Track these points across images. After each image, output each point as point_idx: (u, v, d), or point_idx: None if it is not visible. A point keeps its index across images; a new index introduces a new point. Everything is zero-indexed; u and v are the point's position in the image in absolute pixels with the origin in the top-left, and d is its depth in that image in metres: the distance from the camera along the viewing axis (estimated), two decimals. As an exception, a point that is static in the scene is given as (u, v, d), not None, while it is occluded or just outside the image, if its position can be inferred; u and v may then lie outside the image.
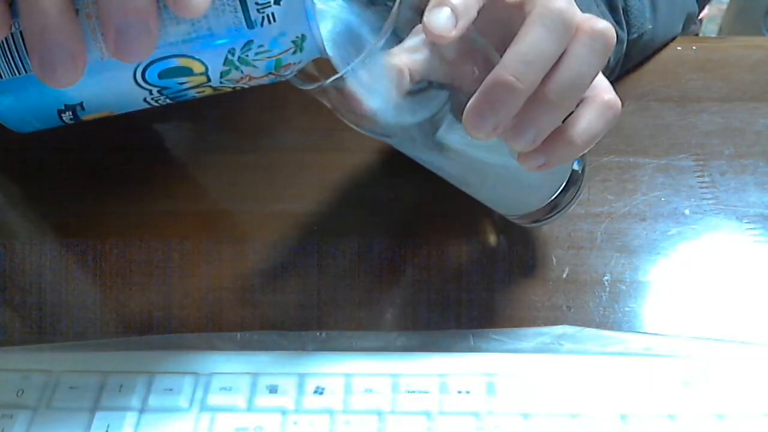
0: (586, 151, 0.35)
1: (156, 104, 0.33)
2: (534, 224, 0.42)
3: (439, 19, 0.30)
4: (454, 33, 0.30)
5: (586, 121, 0.34)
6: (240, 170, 0.48)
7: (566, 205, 0.40)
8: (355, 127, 0.35)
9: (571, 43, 0.32)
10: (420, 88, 0.33)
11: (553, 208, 0.41)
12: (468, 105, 0.32)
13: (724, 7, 1.19)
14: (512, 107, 0.32)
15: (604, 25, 0.33)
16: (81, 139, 0.51)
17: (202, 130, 0.51)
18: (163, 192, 0.47)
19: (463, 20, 0.31)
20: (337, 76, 0.31)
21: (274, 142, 0.50)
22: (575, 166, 0.40)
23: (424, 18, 0.30)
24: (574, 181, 0.40)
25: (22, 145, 0.51)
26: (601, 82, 0.36)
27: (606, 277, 0.42)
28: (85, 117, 0.34)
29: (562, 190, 0.40)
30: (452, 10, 0.30)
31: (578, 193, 0.40)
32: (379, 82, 0.33)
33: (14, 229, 0.46)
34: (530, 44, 0.31)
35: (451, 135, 0.35)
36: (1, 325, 0.41)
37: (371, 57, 0.31)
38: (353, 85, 0.32)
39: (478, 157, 0.37)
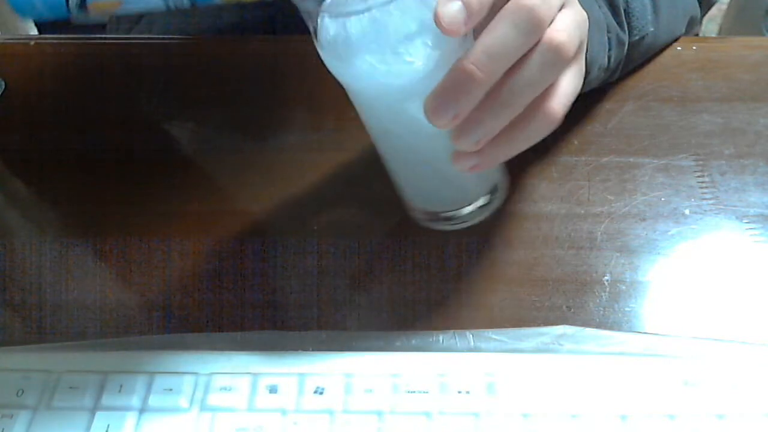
0: (512, 156, 0.36)
1: (173, 6, 0.33)
2: (445, 225, 0.43)
3: (451, 12, 0.31)
4: (463, 29, 0.31)
5: (525, 130, 0.35)
6: (240, 170, 0.48)
7: (483, 209, 0.43)
8: (331, 66, 0.35)
9: (531, 50, 0.33)
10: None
11: (468, 213, 0.43)
12: (431, 91, 0.33)
13: (724, 7, 1.19)
14: (472, 97, 0.32)
15: (561, 39, 0.33)
16: (81, 139, 0.51)
17: (203, 131, 0.51)
18: (163, 192, 0.47)
19: (475, 16, 0.31)
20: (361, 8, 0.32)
21: (274, 142, 0.50)
22: (499, 176, 0.44)
23: (438, 8, 0.31)
24: (496, 189, 0.43)
25: (22, 145, 0.51)
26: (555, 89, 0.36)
27: (606, 277, 0.42)
28: (91, 5, 0.34)
29: (487, 194, 0.43)
30: (464, 3, 0.31)
31: (496, 201, 0.43)
32: (391, 26, 0.33)
33: (14, 229, 0.46)
34: (495, 38, 0.32)
35: (412, 112, 0.35)
36: (1, 325, 0.41)
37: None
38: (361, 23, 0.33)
39: (422, 142, 0.38)
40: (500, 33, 0.32)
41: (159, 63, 0.56)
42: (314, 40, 0.35)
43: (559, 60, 0.34)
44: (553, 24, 0.34)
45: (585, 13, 0.36)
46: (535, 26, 0.32)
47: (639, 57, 0.52)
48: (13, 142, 0.51)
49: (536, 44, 0.33)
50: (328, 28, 0.34)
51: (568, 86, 0.36)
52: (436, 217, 0.44)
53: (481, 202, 0.44)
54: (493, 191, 0.44)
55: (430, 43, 0.33)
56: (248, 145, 0.50)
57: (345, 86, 0.37)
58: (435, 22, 0.31)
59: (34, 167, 0.50)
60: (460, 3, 0.31)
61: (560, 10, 0.34)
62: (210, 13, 0.66)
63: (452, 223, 0.44)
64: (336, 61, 0.35)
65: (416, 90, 0.34)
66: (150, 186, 0.48)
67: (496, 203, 0.44)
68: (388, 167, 0.42)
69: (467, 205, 0.43)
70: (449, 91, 0.33)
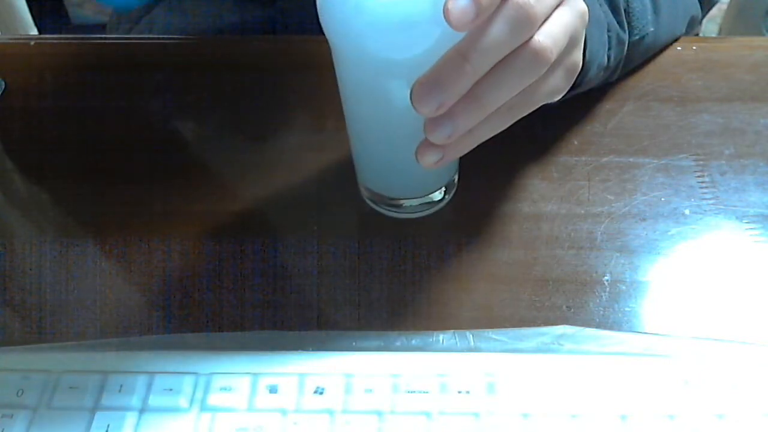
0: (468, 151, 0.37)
1: None
2: (390, 211, 0.45)
3: (460, 8, 0.31)
4: (471, 25, 0.31)
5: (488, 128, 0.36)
6: (240, 170, 0.49)
7: (432, 204, 0.44)
8: (329, 23, 0.35)
9: (514, 51, 0.33)
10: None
11: (416, 204, 0.44)
12: (418, 78, 0.33)
13: (724, 7, 1.19)
14: (458, 88, 0.33)
15: (544, 45, 0.33)
16: (81, 139, 0.51)
17: (203, 131, 0.51)
18: (163, 192, 0.47)
19: (483, 13, 0.31)
20: None
21: (274, 142, 0.50)
22: (454, 174, 0.45)
23: (447, 3, 0.31)
24: (449, 187, 0.45)
25: (22, 145, 0.51)
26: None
27: (606, 277, 0.42)
28: None
29: (439, 190, 0.44)
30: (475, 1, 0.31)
31: (447, 198, 0.45)
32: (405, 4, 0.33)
33: (14, 229, 0.46)
34: (487, 32, 0.32)
35: (393, 91, 0.36)
36: (1, 325, 0.41)
37: None
38: None
39: (392, 125, 0.39)
40: (493, 28, 0.32)
41: (159, 63, 0.56)
42: None
43: (537, 65, 0.34)
44: (542, 26, 0.34)
45: (584, 7, 0.36)
46: (526, 25, 0.33)
47: (639, 57, 0.52)
48: (13, 141, 0.51)
49: (522, 44, 0.33)
50: None
51: (547, 86, 0.36)
52: (384, 201, 0.44)
53: (432, 197, 0.44)
54: (446, 188, 0.44)
55: (433, 30, 0.33)
56: (248, 145, 0.50)
57: (335, 48, 0.37)
58: (444, 16, 0.31)
59: (33, 167, 0.50)
60: (468, 2, 0.31)
61: (558, 6, 0.35)
62: (210, 13, 0.66)
63: (398, 211, 0.45)
64: (336, 19, 0.35)
65: (404, 71, 0.34)
66: (150, 186, 0.48)
67: (446, 200, 0.45)
68: (352, 142, 0.43)
69: (418, 197, 0.44)
70: (437, 80, 0.33)
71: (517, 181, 0.47)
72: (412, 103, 0.33)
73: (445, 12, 0.31)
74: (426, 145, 0.35)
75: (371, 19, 0.33)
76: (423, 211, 0.45)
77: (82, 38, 0.58)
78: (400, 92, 0.35)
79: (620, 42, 0.48)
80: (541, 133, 0.49)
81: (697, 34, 0.70)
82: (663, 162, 0.48)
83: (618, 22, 0.47)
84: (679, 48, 0.55)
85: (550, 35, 0.34)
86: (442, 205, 0.45)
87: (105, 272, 0.43)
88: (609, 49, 0.47)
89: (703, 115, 0.50)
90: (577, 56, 0.38)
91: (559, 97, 0.38)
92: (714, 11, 1.29)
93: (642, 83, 0.52)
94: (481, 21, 0.31)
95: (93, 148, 0.50)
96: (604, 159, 0.48)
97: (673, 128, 0.50)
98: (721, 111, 0.50)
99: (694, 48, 0.55)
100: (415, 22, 0.33)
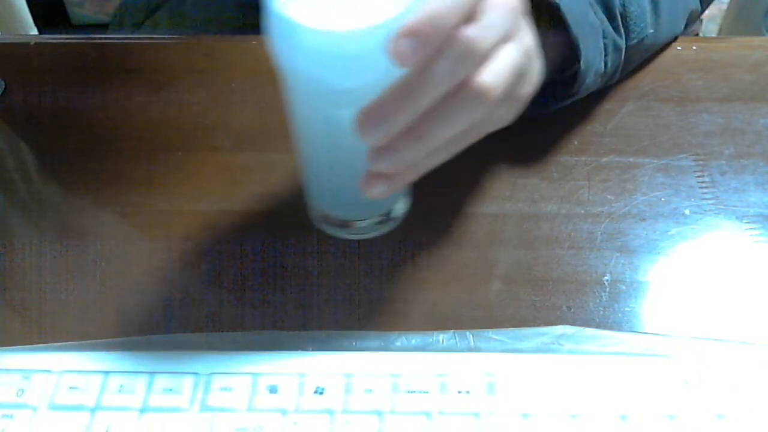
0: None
1: None
2: (341, 232, 0.44)
3: (402, 44, 0.31)
4: (412, 61, 0.31)
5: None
6: (240, 170, 0.48)
7: (382, 224, 0.44)
8: (281, 48, 0.35)
9: (454, 93, 0.34)
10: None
11: (366, 225, 0.44)
12: (363, 108, 0.33)
13: (724, 7, 1.19)
14: (401, 120, 0.33)
15: (485, 86, 0.34)
16: (81, 139, 0.51)
17: (203, 131, 0.51)
18: (163, 192, 0.47)
19: (425, 49, 0.31)
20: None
21: (275, 142, 0.50)
22: (403, 194, 0.44)
23: (391, 42, 0.31)
24: (398, 207, 0.45)
25: (21, 145, 0.51)
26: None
27: (606, 277, 0.42)
28: None
29: (388, 210, 0.44)
30: (419, 38, 0.31)
31: (397, 218, 0.44)
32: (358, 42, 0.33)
33: (14, 229, 0.46)
34: (431, 67, 0.32)
35: (342, 117, 0.35)
36: (1, 325, 0.41)
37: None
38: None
39: (341, 148, 0.38)
40: (436, 64, 0.32)
41: (159, 63, 0.56)
42: (265, 9, 0.34)
43: (481, 104, 0.34)
44: (487, 64, 0.34)
45: (531, 41, 0.37)
46: (469, 61, 0.33)
47: (639, 58, 0.52)
48: (13, 141, 0.51)
49: (465, 81, 0.34)
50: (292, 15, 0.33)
51: (492, 120, 0.37)
52: (334, 222, 0.44)
53: (381, 217, 0.44)
54: (395, 209, 0.44)
55: (380, 60, 0.32)
56: (248, 145, 0.50)
57: (284, 73, 0.36)
58: (389, 53, 0.31)
59: (33, 167, 0.50)
60: (410, 38, 0.31)
61: (504, 42, 0.35)
62: (212, 18, 0.66)
63: (349, 231, 0.44)
64: (285, 45, 0.34)
65: (351, 100, 0.34)
66: (150, 186, 0.48)
67: (397, 221, 0.45)
68: (302, 166, 0.43)
69: (367, 218, 0.44)
70: (380, 112, 0.33)
71: (517, 181, 0.47)
72: (356, 130, 0.33)
73: (388, 48, 0.31)
74: (371, 176, 0.36)
75: (319, 48, 0.33)
76: (370, 233, 0.44)
77: (82, 38, 0.58)
78: (347, 120, 0.34)
79: (617, 48, 0.48)
80: (541, 133, 0.49)
81: (697, 34, 0.70)
82: (663, 162, 0.48)
83: (614, 28, 0.47)
84: (679, 48, 0.55)
85: (494, 73, 0.34)
86: (393, 225, 0.44)
87: (105, 272, 0.43)
88: (606, 55, 0.46)
89: (703, 115, 0.50)
90: (526, 89, 0.38)
91: (505, 125, 0.38)
92: (714, 11, 1.29)
93: (642, 83, 0.52)
94: (422, 57, 0.31)
95: (93, 148, 0.50)
96: (604, 159, 0.48)
97: (673, 128, 0.50)
98: (721, 111, 0.50)
99: (694, 48, 0.55)
100: (362, 53, 0.33)
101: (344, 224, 0.44)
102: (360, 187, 0.36)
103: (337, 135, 0.37)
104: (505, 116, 0.38)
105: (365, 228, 0.44)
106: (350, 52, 0.33)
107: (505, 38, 0.35)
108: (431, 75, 0.32)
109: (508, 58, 0.35)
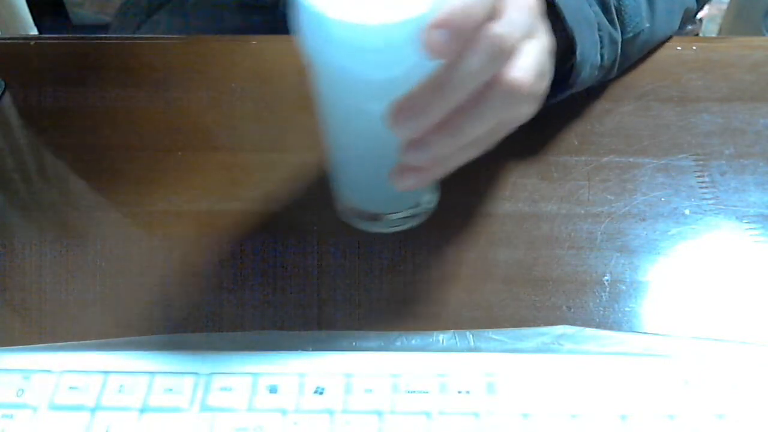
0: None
1: None
2: (371, 225, 0.44)
3: (436, 36, 0.31)
4: (446, 53, 0.32)
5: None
6: (240, 170, 0.49)
7: (411, 218, 0.44)
8: (312, 43, 0.35)
9: (487, 88, 0.34)
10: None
11: (396, 218, 0.44)
12: (396, 102, 0.34)
13: (724, 7, 1.19)
14: (433, 115, 0.34)
15: (519, 81, 0.35)
16: (81, 139, 0.51)
17: (203, 131, 0.51)
18: (163, 192, 0.47)
19: (458, 41, 0.32)
20: None
21: (274, 142, 0.50)
22: (433, 187, 0.45)
23: (425, 33, 0.31)
24: (428, 200, 0.45)
25: (21, 145, 0.51)
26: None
27: (606, 277, 0.42)
28: None
29: (417, 204, 0.44)
30: (448, 29, 0.31)
31: (426, 211, 0.45)
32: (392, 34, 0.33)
33: (14, 229, 0.46)
34: (463, 63, 0.33)
35: (377, 105, 0.36)
36: (1, 325, 0.41)
37: None
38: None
39: (373, 140, 0.38)
40: (468, 59, 0.33)
41: (159, 63, 0.56)
42: (295, 5, 0.34)
43: (515, 99, 0.35)
44: (516, 60, 0.35)
45: (548, 40, 0.38)
46: (500, 57, 0.34)
47: (636, 53, 0.52)
48: (13, 141, 0.51)
49: (496, 77, 0.34)
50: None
51: (519, 115, 0.38)
52: (363, 215, 0.44)
53: (410, 210, 0.44)
54: (424, 202, 0.44)
55: (411, 52, 0.33)
56: (248, 145, 0.50)
57: (313, 66, 0.37)
58: (422, 44, 0.32)
59: (33, 167, 0.50)
60: (443, 29, 0.31)
61: (526, 39, 0.36)
62: (212, 18, 0.66)
63: (378, 225, 0.44)
64: (314, 38, 0.34)
65: (382, 92, 0.34)
66: (150, 186, 0.48)
67: (426, 214, 0.45)
68: (330, 159, 0.43)
69: (397, 212, 0.44)
70: (412, 106, 0.34)
71: (517, 181, 0.47)
72: (387, 122, 0.34)
73: (423, 43, 0.32)
74: (401, 168, 0.36)
75: (351, 41, 0.33)
76: (401, 226, 0.44)
77: (82, 38, 0.58)
78: (377, 113, 0.35)
79: (613, 41, 0.48)
80: (541, 133, 0.49)
81: (697, 34, 0.70)
82: (663, 162, 0.48)
83: (609, 21, 0.47)
84: (679, 48, 0.55)
85: (524, 69, 0.35)
86: (422, 219, 0.45)
87: (105, 272, 0.43)
88: (602, 48, 0.47)
89: (703, 115, 0.50)
90: (544, 86, 0.39)
91: (525, 121, 0.39)
92: (714, 11, 1.29)
93: (642, 83, 0.52)
94: (453, 50, 0.32)
95: (93, 147, 0.50)
96: (604, 159, 0.48)
97: (673, 128, 0.50)
98: (721, 111, 0.50)
99: (694, 48, 0.55)
100: (393, 46, 0.33)
101: (373, 217, 0.44)
102: (390, 179, 0.36)
103: (367, 128, 0.38)
104: (527, 112, 0.38)
105: (394, 221, 0.44)
106: (382, 44, 0.33)
107: (528, 35, 0.36)
108: (463, 71, 0.33)
109: (532, 54, 0.36)
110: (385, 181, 0.37)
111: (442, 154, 0.35)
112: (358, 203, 0.44)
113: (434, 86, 0.33)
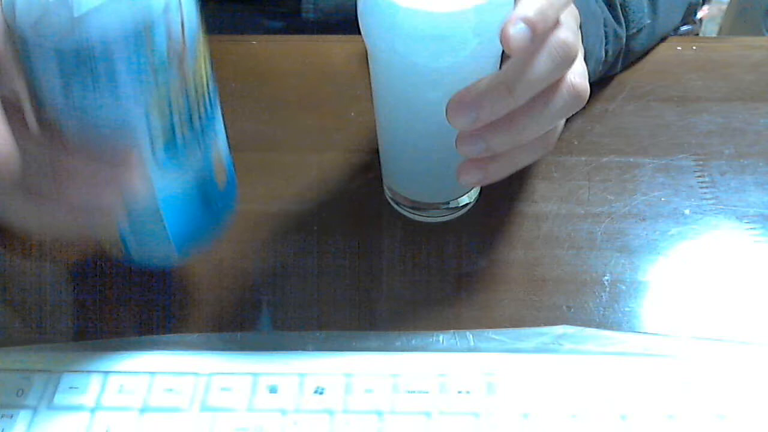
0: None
1: None
2: (420, 215, 0.45)
3: (519, 34, 0.33)
4: (528, 49, 0.34)
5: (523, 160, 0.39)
6: (240, 170, 0.48)
7: (461, 208, 0.45)
8: (378, 30, 0.36)
9: (550, 92, 0.36)
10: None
11: (446, 209, 0.44)
12: (459, 93, 0.35)
13: (724, 7, 1.19)
14: (495, 112, 0.35)
15: (581, 86, 0.37)
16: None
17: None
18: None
19: (539, 38, 0.34)
20: None
21: (274, 142, 0.50)
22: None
23: (506, 28, 0.33)
24: (477, 191, 0.45)
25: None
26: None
27: (606, 277, 0.42)
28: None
29: (467, 194, 0.44)
30: (529, 26, 0.33)
31: (473, 201, 0.45)
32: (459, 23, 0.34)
33: (14, 229, 0.46)
34: (532, 65, 0.34)
35: (433, 93, 0.37)
36: (1, 325, 0.41)
37: None
38: None
39: (430, 130, 0.39)
40: (537, 62, 0.34)
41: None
42: None
43: (577, 103, 0.37)
44: (575, 66, 0.36)
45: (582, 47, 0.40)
46: (567, 61, 0.35)
47: (639, 49, 0.52)
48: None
49: (559, 81, 0.36)
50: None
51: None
52: (407, 203, 0.45)
53: (453, 203, 0.44)
54: (466, 197, 0.45)
55: (470, 40, 0.34)
56: (248, 145, 0.50)
57: (372, 52, 0.38)
58: (502, 41, 0.33)
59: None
60: (525, 26, 0.33)
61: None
62: (231, 22, 0.66)
63: (420, 214, 0.45)
64: (375, 25, 0.36)
65: (439, 79, 0.36)
66: (150, 186, 0.47)
67: (467, 207, 0.45)
68: (381, 145, 0.44)
69: (440, 203, 0.44)
70: (477, 101, 0.34)
71: (517, 181, 0.47)
72: (446, 115, 0.35)
73: (504, 37, 0.33)
74: (468, 164, 0.37)
75: (408, 27, 0.34)
76: (446, 216, 0.45)
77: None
78: (433, 99, 0.36)
79: (617, 36, 0.48)
80: (541, 133, 0.49)
81: (697, 34, 0.70)
82: (663, 162, 0.48)
83: (614, 17, 0.48)
84: (679, 48, 0.55)
85: (582, 74, 0.37)
86: (465, 210, 0.45)
87: (105, 272, 0.43)
88: (606, 43, 0.47)
89: (703, 115, 0.50)
90: None
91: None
92: (714, 11, 1.29)
93: (642, 83, 0.52)
94: (532, 48, 0.34)
95: (93, 148, 0.50)
96: (604, 159, 0.48)
97: (673, 128, 0.50)
98: (721, 111, 0.50)
99: (694, 48, 0.55)
100: (452, 32, 0.34)
101: (416, 206, 0.44)
102: (456, 173, 0.37)
103: (421, 117, 0.38)
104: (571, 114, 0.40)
105: (437, 213, 0.44)
106: (445, 32, 0.34)
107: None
108: (535, 73, 0.34)
109: (581, 59, 0.38)
110: (434, 172, 0.39)
111: (497, 148, 0.36)
112: (402, 191, 0.44)
113: (500, 88, 0.34)
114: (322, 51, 0.56)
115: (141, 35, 0.29)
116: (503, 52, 0.36)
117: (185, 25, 0.31)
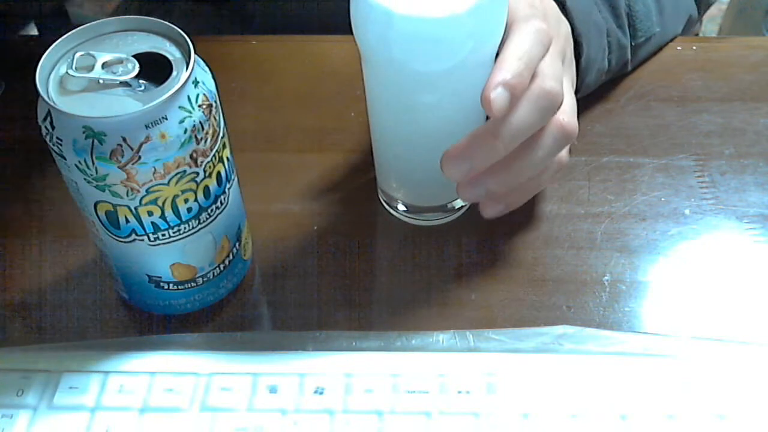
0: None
1: None
2: (418, 218, 0.45)
3: (497, 97, 0.35)
4: (508, 110, 0.35)
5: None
6: (240, 170, 0.48)
7: (458, 210, 0.45)
8: (376, 37, 0.36)
9: (539, 134, 0.37)
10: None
11: (445, 211, 0.45)
12: (450, 148, 0.36)
13: (724, 7, 1.19)
14: (487, 162, 0.37)
15: (570, 126, 0.39)
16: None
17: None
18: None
19: (518, 98, 0.35)
20: None
21: (274, 142, 0.50)
22: None
23: (486, 92, 0.34)
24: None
25: (21, 145, 0.51)
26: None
27: (606, 277, 0.42)
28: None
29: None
30: (508, 90, 0.35)
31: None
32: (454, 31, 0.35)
33: (14, 229, 0.46)
34: (517, 115, 0.36)
35: (427, 97, 0.37)
36: (1, 325, 0.41)
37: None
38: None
39: (417, 137, 0.40)
40: (523, 113, 0.36)
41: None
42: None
43: (565, 142, 0.39)
44: (563, 107, 0.38)
45: (573, 72, 0.42)
46: (552, 108, 0.37)
47: (645, 55, 0.52)
48: (13, 141, 0.51)
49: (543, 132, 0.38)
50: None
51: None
52: (400, 206, 0.45)
53: (446, 206, 0.44)
54: (460, 200, 0.44)
55: (462, 46, 0.35)
56: (248, 145, 0.50)
57: (365, 56, 0.38)
58: (483, 105, 0.35)
59: (34, 167, 0.50)
60: (503, 89, 0.34)
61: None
62: (210, 14, 0.66)
63: (414, 216, 0.45)
64: (369, 29, 0.36)
65: (432, 83, 0.36)
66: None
67: (461, 210, 0.45)
68: (375, 148, 0.44)
69: (433, 206, 0.44)
70: (467, 154, 0.36)
71: (517, 181, 0.47)
72: (441, 168, 0.36)
73: (485, 101, 0.34)
74: (488, 201, 0.40)
75: (403, 33, 0.34)
76: (442, 219, 0.45)
77: (82, 38, 0.58)
78: (428, 103, 0.37)
79: (621, 46, 0.48)
80: (541, 133, 0.49)
81: (697, 34, 0.70)
82: (663, 162, 0.48)
83: (619, 26, 0.47)
84: (679, 48, 0.55)
85: (570, 113, 0.39)
86: (461, 213, 0.45)
87: (105, 272, 0.43)
88: (609, 53, 0.47)
89: (703, 115, 0.50)
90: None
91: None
92: (714, 11, 1.29)
93: (642, 83, 0.52)
94: (514, 105, 0.35)
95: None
96: (604, 159, 0.48)
97: (673, 128, 0.50)
98: (721, 111, 0.50)
99: (694, 48, 0.55)
100: (446, 37, 0.34)
101: (410, 209, 0.44)
102: (480, 210, 0.41)
103: (415, 121, 0.39)
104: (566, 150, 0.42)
105: (430, 216, 0.45)
106: (440, 37, 0.35)
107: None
108: (519, 124, 0.36)
109: (569, 94, 0.39)
110: (428, 175, 0.39)
111: (497, 190, 0.38)
112: (396, 193, 0.44)
113: (488, 137, 0.36)
114: (322, 51, 0.56)
115: None
116: (497, 55, 0.36)
117: None
